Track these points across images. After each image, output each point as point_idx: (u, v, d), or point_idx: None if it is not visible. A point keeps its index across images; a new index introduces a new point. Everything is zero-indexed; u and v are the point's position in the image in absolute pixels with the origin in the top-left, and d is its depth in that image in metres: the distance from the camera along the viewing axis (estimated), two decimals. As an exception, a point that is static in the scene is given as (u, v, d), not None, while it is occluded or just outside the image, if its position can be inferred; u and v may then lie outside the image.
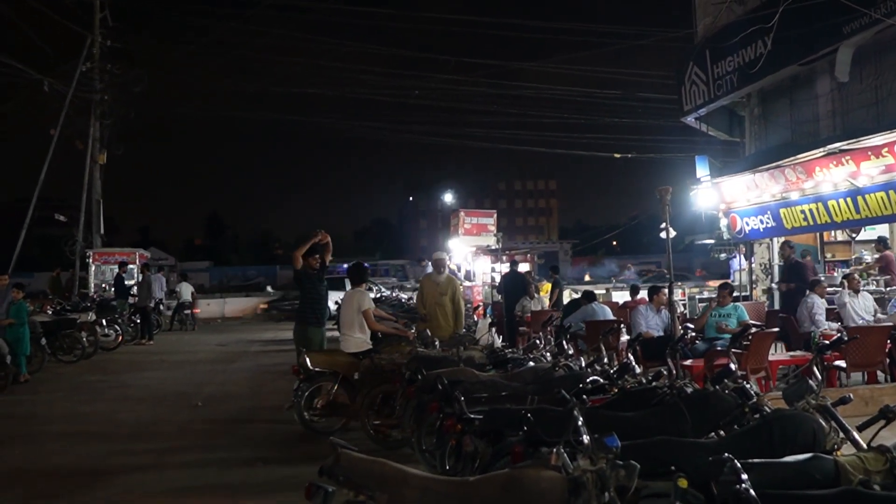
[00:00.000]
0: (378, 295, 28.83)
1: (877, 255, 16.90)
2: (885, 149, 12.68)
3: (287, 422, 10.34)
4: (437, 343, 10.77)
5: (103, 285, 28.56)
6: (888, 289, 15.47)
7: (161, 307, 26.70)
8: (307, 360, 10.07)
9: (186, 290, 29.49)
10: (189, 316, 29.04)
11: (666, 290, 12.70)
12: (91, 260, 29.03)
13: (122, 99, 29.73)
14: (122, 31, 29.98)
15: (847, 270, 17.79)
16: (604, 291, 22.29)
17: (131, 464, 9.07)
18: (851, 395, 5.46)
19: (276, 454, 9.35)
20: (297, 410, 9.98)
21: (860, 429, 4.92)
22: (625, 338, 12.18)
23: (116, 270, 26.76)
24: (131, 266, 28.29)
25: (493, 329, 12.77)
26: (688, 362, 10.88)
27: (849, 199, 14.06)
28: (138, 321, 23.59)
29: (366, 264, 12.30)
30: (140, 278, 25.52)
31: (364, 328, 10.62)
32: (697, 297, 20.75)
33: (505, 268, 20.73)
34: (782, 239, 17.65)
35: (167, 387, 14.81)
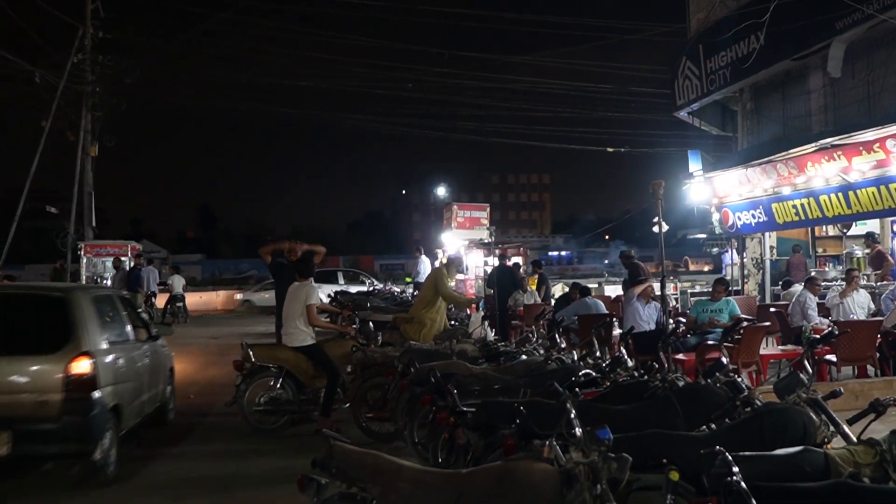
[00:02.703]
0: (371, 288, 28.82)
1: (869, 251, 16.99)
2: (877, 144, 12.73)
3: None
4: (379, 337, 10.71)
5: (95, 277, 28.47)
6: (878, 284, 15.54)
7: (153, 300, 26.64)
8: (251, 353, 9.90)
9: (178, 283, 29.45)
10: (181, 308, 29.00)
11: (653, 283, 12.77)
12: (83, 252, 28.93)
13: (114, 90, 29.62)
14: (113, 23, 29.87)
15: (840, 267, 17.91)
16: (596, 286, 22.36)
17: (123, 455, 9.07)
18: (842, 389, 5.50)
19: (269, 446, 9.36)
20: (241, 407, 9.80)
21: (850, 422, 4.96)
22: (617, 331, 12.21)
23: (132, 263, 26.66)
24: (123, 259, 28.24)
25: (486, 322, 12.76)
26: (679, 356, 10.92)
27: (840, 195, 14.12)
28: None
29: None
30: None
31: (308, 323, 10.29)
32: (689, 290, 20.81)
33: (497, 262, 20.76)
34: (774, 234, 17.76)
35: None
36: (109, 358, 8.13)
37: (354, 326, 11.01)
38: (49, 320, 7.84)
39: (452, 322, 13.38)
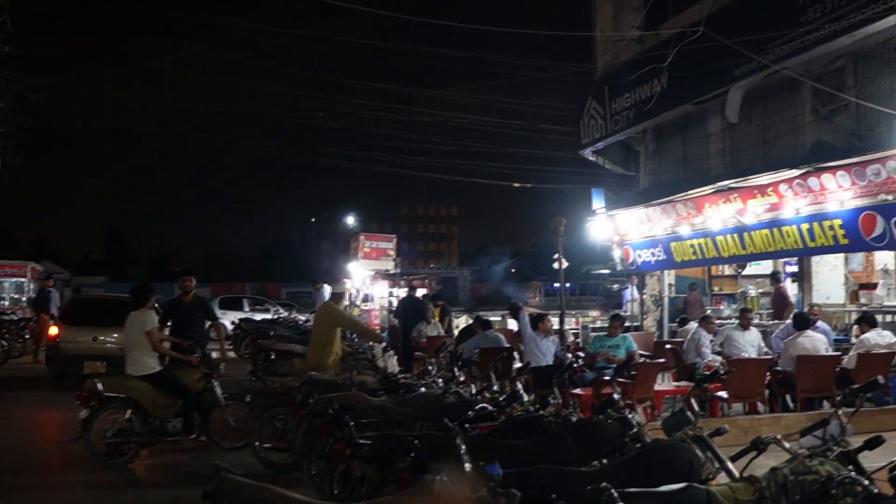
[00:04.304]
0: (276, 316, 28.54)
1: (772, 291, 17.55)
2: (771, 188, 13.16)
3: (177, 444, 10.12)
4: (221, 367, 10.50)
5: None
6: (771, 322, 16.03)
7: (51, 323, 25.83)
8: (99, 385, 9.45)
9: (78, 306, 28.62)
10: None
11: (550, 318, 12.96)
12: (-21, 272, 28.06)
13: (21, 107, 28.82)
14: (23, 38, 29.12)
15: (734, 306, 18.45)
16: (499, 318, 22.53)
17: (9, 486, 8.79)
18: (727, 427, 5.68)
19: (164, 477, 9.20)
20: (87, 441, 9.30)
21: (733, 459, 5.12)
22: (517, 365, 12.34)
23: (40, 285, 25.89)
24: (21, 280, 27.42)
25: (389, 353, 12.71)
26: (577, 391, 11.10)
27: (735, 235, 14.51)
28: (27, 336, 22.70)
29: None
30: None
31: (151, 350, 10.10)
32: (590, 325, 21.15)
33: (403, 292, 20.82)
34: (673, 273, 18.21)
35: (50, 405, 14.33)
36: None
37: (196, 357, 10.71)
38: (126, 311, 11.28)
39: (360, 350, 13.31)
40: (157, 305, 15.79)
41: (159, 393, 9.77)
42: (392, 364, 11.85)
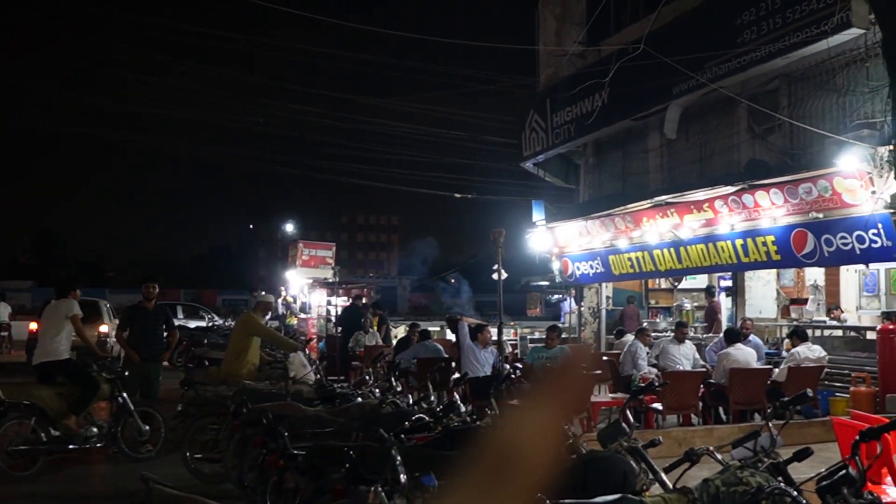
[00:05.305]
0: (211, 324, 28.18)
1: (707, 305, 17.82)
2: (706, 204, 13.38)
3: (104, 456, 9.91)
4: (126, 373, 10.36)
5: None
6: (705, 336, 16.26)
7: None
8: None
9: (4, 311, 27.92)
10: (6, 338, 27.47)
11: (490, 329, 12.99)
12: None
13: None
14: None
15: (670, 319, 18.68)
16: (438, 329, 22.49)
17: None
18: (661, 439, 5.73)
19: (90, 489, 9.00)
20: None
21: (667, 470, 5.16)
22: (455, 375, 12.32)
23: None
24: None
25: (317, 363, 12.50)
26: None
27: (672, 250, 14.72)
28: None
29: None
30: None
31: (70, 337, 10.15)
32: (529, 336, 21.22)
33: (342, 301, 20.69)
34: (611, 285, 18.38)
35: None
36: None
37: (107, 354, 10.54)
38: (92, 310, 15.20)
39: (278, 360, 13.10)
40: (108, 307, 16.34)
41: (63, 400, 9.58)
42: (310, 377, 11.65)
